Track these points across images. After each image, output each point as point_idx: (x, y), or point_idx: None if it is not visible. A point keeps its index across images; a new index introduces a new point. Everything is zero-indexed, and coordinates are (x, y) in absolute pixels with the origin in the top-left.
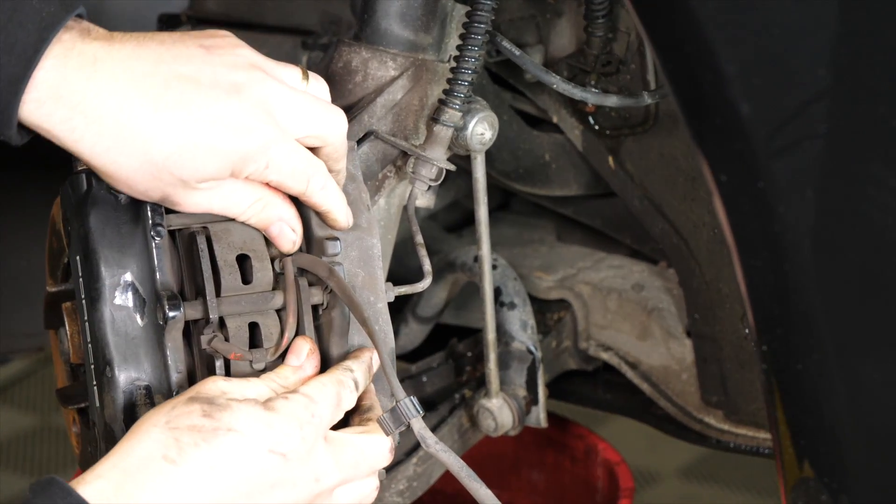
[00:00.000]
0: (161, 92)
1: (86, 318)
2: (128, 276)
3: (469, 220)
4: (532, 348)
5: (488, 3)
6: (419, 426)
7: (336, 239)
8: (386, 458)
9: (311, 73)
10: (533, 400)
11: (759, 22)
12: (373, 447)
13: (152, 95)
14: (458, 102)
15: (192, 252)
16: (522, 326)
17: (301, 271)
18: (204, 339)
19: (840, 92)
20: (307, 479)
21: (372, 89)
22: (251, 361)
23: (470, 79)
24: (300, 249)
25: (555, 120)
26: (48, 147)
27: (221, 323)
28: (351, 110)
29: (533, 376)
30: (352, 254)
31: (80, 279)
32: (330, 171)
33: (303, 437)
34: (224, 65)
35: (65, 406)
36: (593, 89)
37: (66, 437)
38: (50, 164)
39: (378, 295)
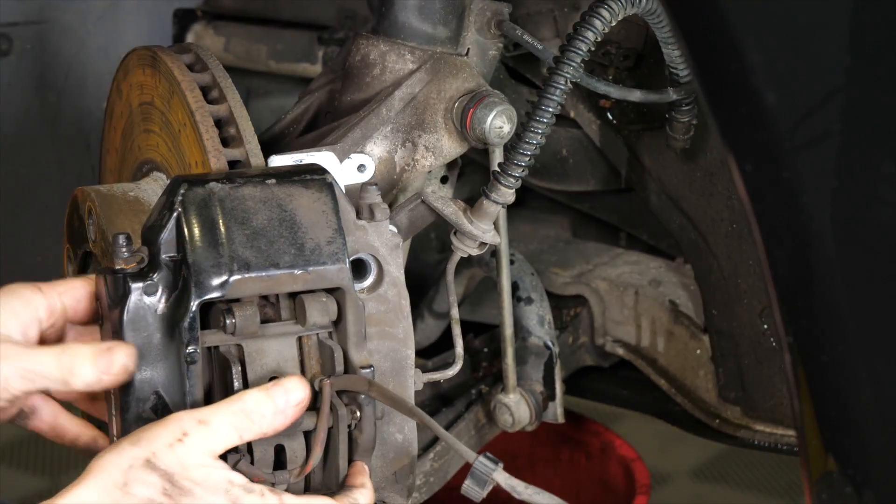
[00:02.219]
0: None
1: (114, 412)
2: (158, 390)
3: None
4: (549, 343)
5: (562, 84)
6: (504, 478)
7: (370, 367)
8: None
9: None
10: (550, 395)
11: (784, 10)
12: None
13: None
14: (512, 181)
15: (225, 373)
16: (539, 322)
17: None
18: (230, 460)
19: (866, 81)
20: None
21: (390, 82)
22: (273, 483)
23: (528, 159)
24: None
25: (572, 115)
26: (62, 147)
27: (248, 446)
28: (369, 103)
29: (550, 372)
30: (384, 365)
31: None
32: None
33: None
34: None
35: None
36: (614, 84)
37: None
38: (64, 164)
39: (407, 399)
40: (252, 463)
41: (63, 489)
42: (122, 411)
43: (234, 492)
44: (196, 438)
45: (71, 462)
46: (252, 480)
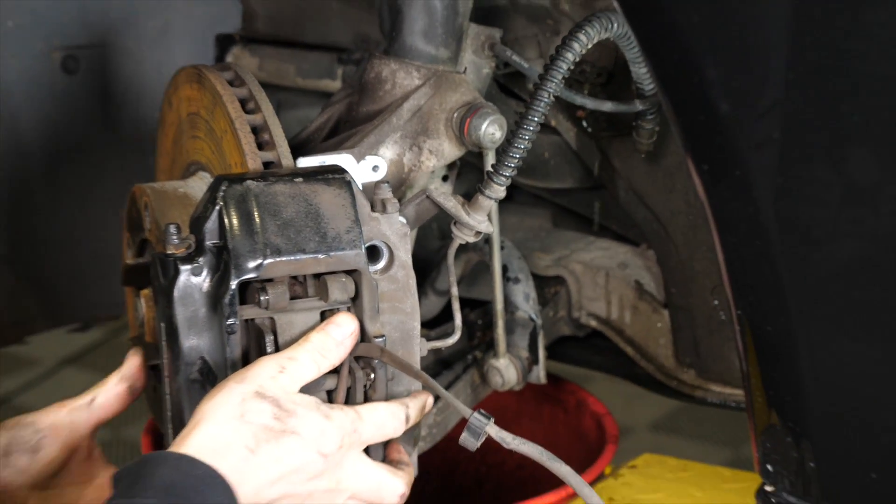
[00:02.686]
0: None
1: (166, 373)
2: (203, 355)
3: None
4: (533, 316)
5: (545, 97)
6: (495, 431)
7: (382, 336)
8: (395, 501)
9: None
10: (534, 360)
11: (736, 34)
12: (391, 484)
13: None
14: (503, 179)
15: (259, 341)
16: (525, 298)
17: (356, 358)
18: None
19: (804, 96)
20: (331, 479)
21: (399, 96)
22: None
23: (518, 161)
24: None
25: (553, 124)
26: (122, 151)
27: None
28: (381, 113)
29: (534, 340)
30: (394, 335)
31: (164, 344)
32: None
33: (341, 444)
34: None
35: None
36: (589, 97)
37: (137, 400)
38: (123, 165)
39: (413, 364)
40: None
41: (180, 435)
42: (173, 373)
43: (322, 408)
44: (291, 370)
45: (137, 415)
46: None
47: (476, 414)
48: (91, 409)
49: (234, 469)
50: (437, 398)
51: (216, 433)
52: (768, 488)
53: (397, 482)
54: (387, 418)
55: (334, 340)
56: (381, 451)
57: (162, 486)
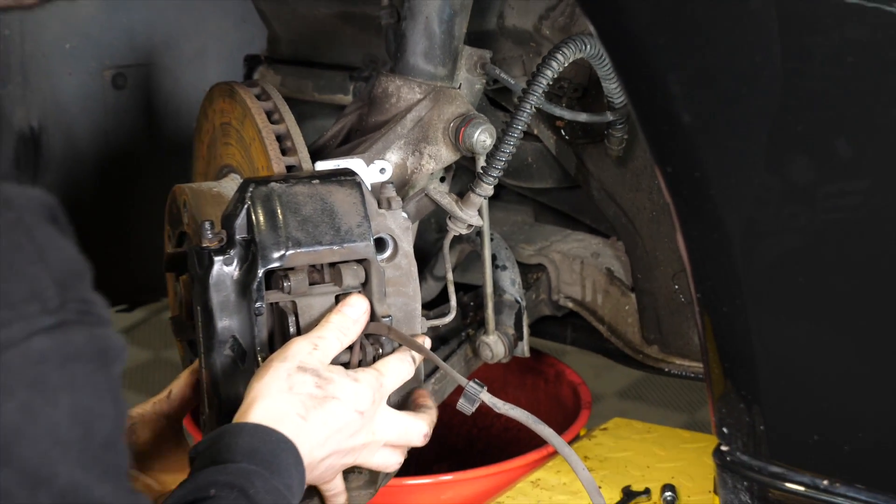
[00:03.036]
0: None
1: (202, 351)
2: (235, 335)
3: None
4: (519, 299)
5: (528, 109)
6: (488, 397)
7: (389, 316)
8: (421, 440)
9: None
10: (519, 336)
11: (696, 57)
12: (415, 426)
13: None
14: (492, 180)
15: (283, 322)
16: (512, 283)
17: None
18: None
19: (754, 107)
20: (368, 431)
21: (403, 108)
22: None
23: (504, 164)
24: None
25: (535, 132)
26: (163, 156)
27: None
28: (388, 123)
29: (519, 319)
30: (399, 315)
31: (200, 325)
32: None
33: (373, 399)
34: None
35: (177, 336)
36: (567, 109)
37: (173, 368)
38: (164, 168)
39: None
40: None
41: (238, 413)
42: (208, 350)
43: (350, 373)
44: (322, 346)
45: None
46: None
47: (471, 383)
48: (170, 400)
49: (292, 434)
50: (435, 369)
51: (272, 406)
52: (724, 448)
53: (420, 424)
54: (399, 364)
55: (351, 319)
56: (393, 400)
57: (245, 451)
